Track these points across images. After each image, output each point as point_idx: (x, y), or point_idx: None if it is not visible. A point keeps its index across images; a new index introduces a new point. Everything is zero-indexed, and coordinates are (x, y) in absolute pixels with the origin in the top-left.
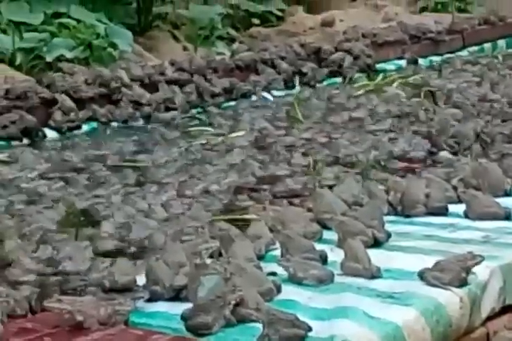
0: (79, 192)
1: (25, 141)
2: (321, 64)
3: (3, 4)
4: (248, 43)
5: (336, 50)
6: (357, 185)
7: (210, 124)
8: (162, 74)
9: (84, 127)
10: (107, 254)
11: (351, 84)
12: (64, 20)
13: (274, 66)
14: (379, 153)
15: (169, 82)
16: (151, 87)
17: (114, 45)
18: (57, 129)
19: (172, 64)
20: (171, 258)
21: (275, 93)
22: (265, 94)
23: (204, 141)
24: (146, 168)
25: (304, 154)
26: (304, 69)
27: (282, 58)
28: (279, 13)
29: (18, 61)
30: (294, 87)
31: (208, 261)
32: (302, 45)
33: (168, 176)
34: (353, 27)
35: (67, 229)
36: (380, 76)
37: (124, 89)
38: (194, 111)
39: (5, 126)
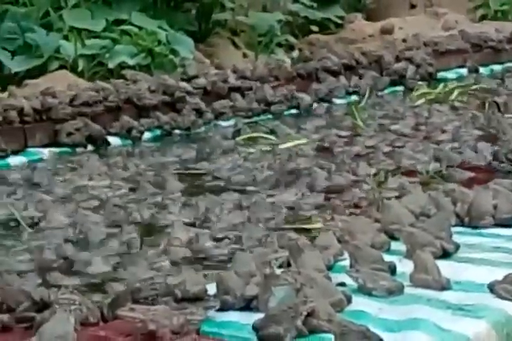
0: (142, 199)
1: (90, 148)
2: (382, 72)
3: (66, 11)
4: (309, 51)
5: (397, 58)
6: (424, 196)
7: (272, 132)
8: (225, 81)
9: (148, 134)
10: (174, 263)
11: (413, 92)
12: (126, 27)
13: (335, 74)
14: (442, 162)
15: (232, 90)
16: (214, 94)
17: (175, 52)
18: (121, 136)
19: (234, 72)
20: (241, 268)
21: (336, 101)
22: (326, 103)
23: (266, 149)
24: (207, 175)
25: (368, 163)
26: (366, 78)
27: (344, 66)
28: (338, 21)
29: (80, 67)
30: (355, 95)
31: (277, 270)
32: (363, 54)
33: (230, 184)
34: (414, 35)
35: (130, 238)
36: (442, 85)
37: (188, 98)
38: (256, 118)
39: (70, 133)
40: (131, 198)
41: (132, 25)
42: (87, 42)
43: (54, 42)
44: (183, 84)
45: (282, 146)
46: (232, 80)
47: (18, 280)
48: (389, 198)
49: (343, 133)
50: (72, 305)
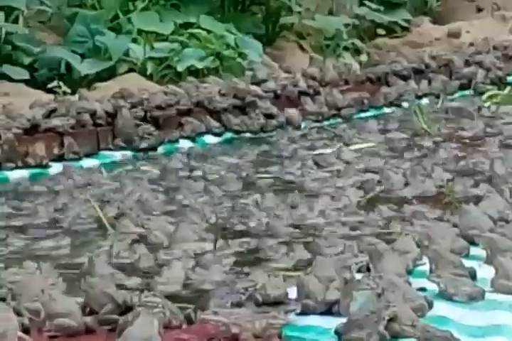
0: (215, 202)
1: (160, 151)
2: (451, 76)
3: (134, 14)
4: (376, 55)
5: (467, 62)
6: (502, 201)
7: (341, 136)
8: (295, 85)
9: (218, 138)
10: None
11: (482, 96)
12: (194, 30)
13: (404, 78)
14: None
15: (302, 94)
16: (284, 98)
17: (243, 56)
18: (192, 139)
19: (304, 75)
20: (321, 272)
21: (406, 105)
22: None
23: (332, 152)
24: (278, 179)
25: (443, 168)
26: (435, 82)
27: (413, 70)
28: (405, 24)
29: (148, 70)
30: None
31: (357, 275)
32: (433, 57)
33: (302, 188)
34: (483, 39)
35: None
36: (509, 88)
37: (258, 102)
38: (326, 122)
39: (142, 137)
40: (204, 201)
41: (200, 28)
42: (156, 45)
43: (123, 45)
44: (254, 87)
45: (351, 148)
46: (302, 84)
47: (101, 282)
48: (467, 203)
49: (414, 137)
50: (155, 308)
